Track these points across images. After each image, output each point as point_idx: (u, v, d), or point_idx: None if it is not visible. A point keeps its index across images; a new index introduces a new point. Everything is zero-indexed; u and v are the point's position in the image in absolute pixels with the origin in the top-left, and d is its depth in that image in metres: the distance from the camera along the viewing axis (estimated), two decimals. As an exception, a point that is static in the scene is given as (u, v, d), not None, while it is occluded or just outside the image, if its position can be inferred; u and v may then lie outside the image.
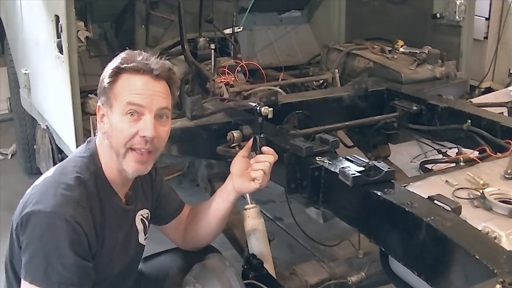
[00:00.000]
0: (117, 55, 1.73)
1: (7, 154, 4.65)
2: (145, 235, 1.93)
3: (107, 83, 1.67)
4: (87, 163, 1.71)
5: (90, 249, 1.64)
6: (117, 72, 1.67)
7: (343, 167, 1.89)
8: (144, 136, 1.65)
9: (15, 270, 1.73)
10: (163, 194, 2.02)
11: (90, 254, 1.64)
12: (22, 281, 1.59)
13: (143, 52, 1.73)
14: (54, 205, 1.57)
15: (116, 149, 1.68)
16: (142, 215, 1.91)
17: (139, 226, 1.89)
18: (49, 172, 1.73)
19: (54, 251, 1.56)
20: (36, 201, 1.60)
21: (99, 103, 1.72)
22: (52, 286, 1.57)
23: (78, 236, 1.58)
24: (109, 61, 1.73)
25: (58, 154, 2.88)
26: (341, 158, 2.02)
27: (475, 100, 3.42)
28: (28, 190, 1.71)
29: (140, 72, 1.66)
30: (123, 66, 1.67)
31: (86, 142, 1.80)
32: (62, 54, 2.47)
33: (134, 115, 1.65)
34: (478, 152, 2.30)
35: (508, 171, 1.93)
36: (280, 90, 3.13)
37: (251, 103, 2.06)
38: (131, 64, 1.66)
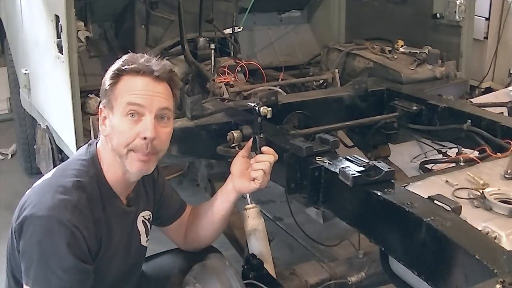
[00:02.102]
0: (119, 57, 1.74)
1: (7, 154, 4.65)
2: (146, 237, 1.93)
3: (108, 85, 1.68)
4: (87, 166, 1.71)
5: (89, 251, 1.63)
6: (118, 74, 1.67)
7: (343, 167, 1.89)
8: (144, 138, 1.64)
9: (14, 272, 1.73)
10: (165, 196, 2.01)
11: (90, 256, 1.63)
12: (24, 286, 1.59)
13: (145, 54, 1.73)
14: (52, 209, 1.57)
15: (118, 150, 1.68)
16: (143, 216, 1.90)
17: (141, 228, 1.89)
18: (49, 174, 1.73)
19: (53, 256, 1.55)
20: (34, 204, 1.60)
21: (101, 106, 1.72)
22: None
23: (76, 239, 1.58)
24: (109, 62, 1.74)
25: (58, 154, 2.88)
26: (341, 158, 2.01)
27: (475, 100, 3.42)
28: (28, 191, 1.70)
29: (141, 73, 1.66)
30: (124, 68, 1.67)
31: (87, 144, 1.80)
32: (62, 54, 2.47)
33: (134, 116, 1.65)
34: (478, 152, 2.30)
35: (508, 171, 1.93)
36: (280, 90, 3.13)
37: (250, 103, 2.06)
38: (132, 66, 1.67)
